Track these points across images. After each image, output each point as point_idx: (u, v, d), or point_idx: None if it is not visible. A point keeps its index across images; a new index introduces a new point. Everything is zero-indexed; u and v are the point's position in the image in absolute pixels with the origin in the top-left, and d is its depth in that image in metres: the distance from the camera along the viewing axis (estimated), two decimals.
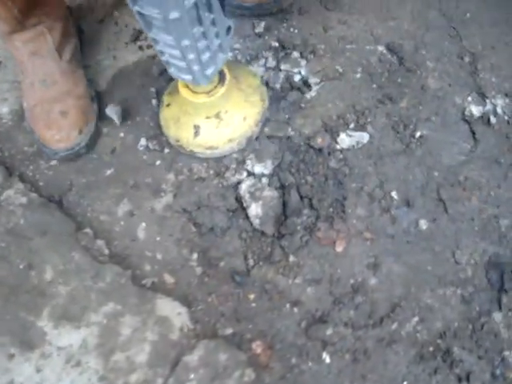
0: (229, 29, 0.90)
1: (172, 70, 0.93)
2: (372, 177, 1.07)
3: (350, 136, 1.10)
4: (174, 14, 0.73)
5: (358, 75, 1.18)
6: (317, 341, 0.97)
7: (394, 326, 0.97)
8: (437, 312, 0.98)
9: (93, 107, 1.17)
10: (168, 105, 1.13)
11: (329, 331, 0.96)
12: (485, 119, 1.12)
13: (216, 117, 1.07)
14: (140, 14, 0.75)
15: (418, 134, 1.11)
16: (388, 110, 1.14)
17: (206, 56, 0.87)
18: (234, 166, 1.09)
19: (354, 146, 1.10)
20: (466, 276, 1.01)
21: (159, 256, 1.04)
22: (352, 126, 1.12)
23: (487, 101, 1.14)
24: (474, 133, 1.12)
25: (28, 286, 1.01)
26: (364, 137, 1.10)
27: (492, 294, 0.99)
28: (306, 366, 0.95)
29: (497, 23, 1.23)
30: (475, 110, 1.12)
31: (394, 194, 1.06)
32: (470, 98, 1.14)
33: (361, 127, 1.12)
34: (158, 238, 1.06)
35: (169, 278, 1.02)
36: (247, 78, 1.13)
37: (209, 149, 1.08)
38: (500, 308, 0.98)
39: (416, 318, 0.98)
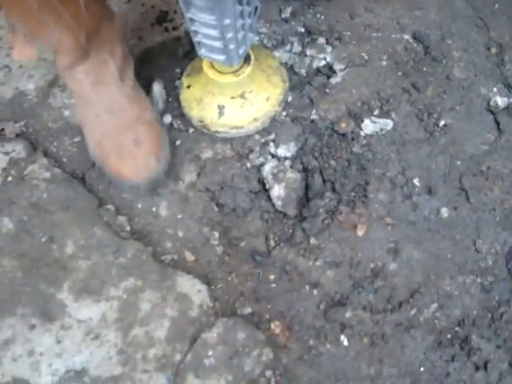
0: (256, 9, 0.91)
1: (203, 51, 0.93)
2: (395, 163, 1.07)
3: (374, 122, 1.10)
4: None
5: (384, 63, 1.18)
6: (335, 323, 0.97)
7: (413, 311, 0.97)
8: (456, 300, 0.98)
9: (163, 131, 1.11)
10: (188, 86, 1.13)
11: (347, 314, 0.97)
12: (510, 110, 1.12)
13: (241, 97, 1.07)
14: None
15: (442, 123, 1.11)
16: (413, 98, 1.14)
17: (240, 35, 0.88)
18: (257, 148, 1.10)
19: (377, 133, 1.10)
20: (487, 265, 1.01)
21: (180, 234, 1.05)
22: (376, 112, 1.12)
23: None
24: (498, 123, 1.11)
25: (49, 259, 1.02)
26: (388, 123, 1.10)
27: None
28: (324, 348, 0.96)
29: None
30: (500, 101, 1.12)
31: (416, 181, 1.06)
32: (495, 89, 1.14)
33: (385, 114, 1.12)
34: (179, 216, 1.06)
35: (189, 256, 1.03)
36: (266, 59, 1.14)
37: (234, 128, 1.09)
38: None
39: (435, 305, 0.98)
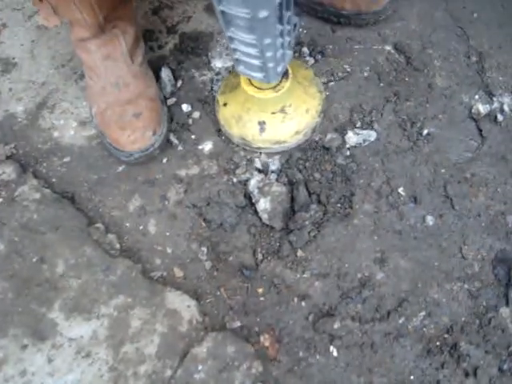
0: (295, 26, 0.91)
1: (241, 68, 0.93)
2: (379, 173, 1.09)
3: (358, 134, 1.12)
4: (263, 13, 0.73)
5: (366, 74, 1.19)
6: (324, 334, 0.97)
7: (401, 320, 0.98)
8: (444, 307, 0.99)
9: (164, 109, 1.17)
10: (225, 104, 1.13)
11: (336, 325, 0.97)
12: (492, 117, 1.13)
13: (281, 111, 1.08)
14: (223, 12, 0.76)
15: (425, 132, 1.12)
16: (395, 108, 1.15)
17: (279, 53, 0.88)
18: (243, 162, 1.11)
19: (361, 144, 1.11)
20: (473, 271, 1.01)
21: (169, 250, 1.06)
22: (359, 124, 1.14)
23: (494, 99, 1.15)
24: (480, 130, 1.12)
25: (40, 279, 1.03)
26: (371, 135, 1.11)
27: (499, 290, 1.00)
28: (314, 360, 0.96)
29: (504, 23, 1.24)
30: (482, 108, 1.13)
31: (401, 190, 1.07)
32: (477, 97, 1.15)
33: (368, 125, 1.13)
34: (168, 233, 1.07)
35: (178, 272, 1.04)
36: (300, 71, 1.13)
37: (276, 143, 1.10)
38: (507, 303, 0.98)
39: (423, 313, 0.98)
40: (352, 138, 1.11)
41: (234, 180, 1.10)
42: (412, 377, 0.94)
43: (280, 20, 0.80)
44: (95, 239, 1.07)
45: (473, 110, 1.14)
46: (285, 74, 1.04)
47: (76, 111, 1.23)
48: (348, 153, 1.10)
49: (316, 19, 1.27)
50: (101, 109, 1.12)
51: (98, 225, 1.09)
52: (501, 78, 1.17)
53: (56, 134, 1.20)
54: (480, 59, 1.20)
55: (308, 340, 0.97)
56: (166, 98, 1.21)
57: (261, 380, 0.94)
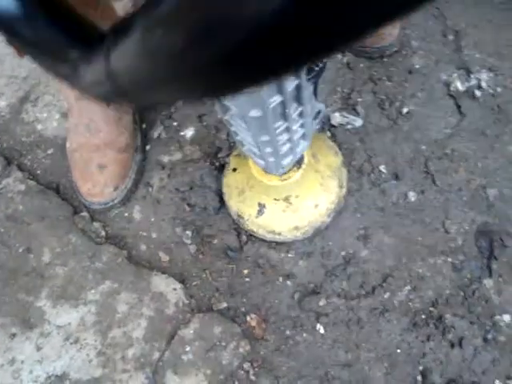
0: (318, 113, 0.78)
1: (245, 149, 0.79)
2: (360, 152, 1.09)
3: (344, 117, 1.12)
4: (254, 113, 0.60)
5: (344, 57, 1.20)
6: (310, 312, 0.98)
7: (387, 295, 0.99)
8: (428, 281, 1.00)
9: (134, 159, 1.12)
10: (234, 169, 1.02)
11: (322, 302, 0.98)
12: (470, 93, 1.14)
13: (285, 200, 0.95)
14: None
15: (404, 110, 1.13)
16: (374, 88, 1.16)
17: (285, 148, 0.75)
18: (225, 146, 1.12)
19: (341, 125, 1.12)
20: (456, 245, 1.02)
21: (154, 235, 1.07)
22: (339, 105, 1.14)
23: (472, 76, 1.15)
24: (459, 107, 1.13)
25: (27, 269, 1.04)
26: (357, 120, 1.11)
27: (482, 262, 1.00)
28: (301, 338, 0.97)
29: (479, 3, 1.25)
30: (460, 85, 1.14)
31: (382, 167, 1.08)
32: (455, 74, 1.16)
33: (348, 106, 1.14)
34: (152, 219, 1.08)
35: (164, 256, 1.04)
36: (327, 156, 1.00)
37: (271, 233, 0.99)
38: (490, 275, 0.99)
39: (408, 287, 0.99)
40: (337, 117, 1.12)
41: (217, 164, 1.10)
42: (399, 350, 0.95)
43: (284, 117, 0.65)
44: (80, 228, 1.07)
45: (451, 88, 1.15)
46: (298, 162, 0.88)
47: (59, 103, 1.23)
48: (328, 133, 1.11)
49: None
50: (71, 147, 1.09)
51: (84, 213, 1.09)
52: (477, 56, 1.18)
53: (39, 126, 1.21)
54: (457, 38, 1.21)
55: (294, 318, 0.98)
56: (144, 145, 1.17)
57: (248, 359, 0.95)
